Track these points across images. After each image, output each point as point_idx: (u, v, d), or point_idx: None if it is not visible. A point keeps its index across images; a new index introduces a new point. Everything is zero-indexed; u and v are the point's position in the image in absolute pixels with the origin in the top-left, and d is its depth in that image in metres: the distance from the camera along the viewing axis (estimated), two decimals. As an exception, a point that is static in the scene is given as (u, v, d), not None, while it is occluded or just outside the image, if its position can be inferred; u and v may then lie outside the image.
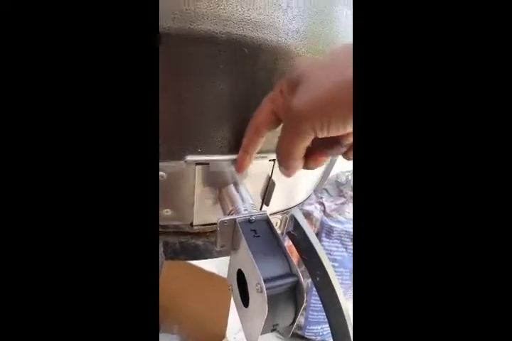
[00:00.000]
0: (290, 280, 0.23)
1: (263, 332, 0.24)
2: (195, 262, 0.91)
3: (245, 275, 0.26)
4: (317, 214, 1.12)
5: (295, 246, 0.63)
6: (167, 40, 0.25)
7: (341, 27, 0.33)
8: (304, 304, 0.24)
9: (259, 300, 0.22)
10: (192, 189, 0.34)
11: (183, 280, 0.92)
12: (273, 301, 0.22)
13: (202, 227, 0.38)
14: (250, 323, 0.25)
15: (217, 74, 0.27)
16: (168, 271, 0.85)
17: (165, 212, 0.35)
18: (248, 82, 0.28)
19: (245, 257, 0.25)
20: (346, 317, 0.59)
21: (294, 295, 0.23)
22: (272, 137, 0.34)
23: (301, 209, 0.79)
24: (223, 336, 0.94)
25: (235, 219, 0.29)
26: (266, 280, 0.22)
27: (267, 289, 0.21)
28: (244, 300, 0.26)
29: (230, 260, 0.31)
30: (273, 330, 0.25)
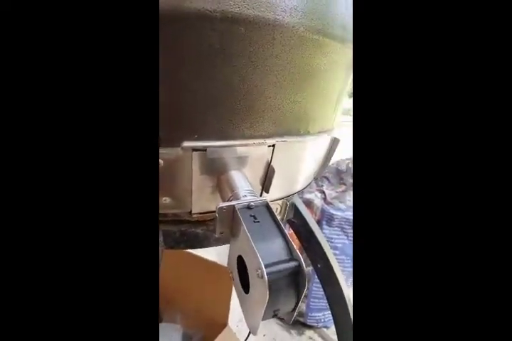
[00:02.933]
0: (291, 264, 0.23)
1: (264, 318, 0.24)
2: (195, 251, 0.91)
3: (245, 261, 0.25)
4: (318, 202, 1.12)
5: (296, 233, 0.63)
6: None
7: (341, 5, 0.32)
8: (306, 291, 0.24)
9: (259, 286, 0.22)
10: (190, 176, 0.33)
11: (184, 270, 0.92)
12: (274, 286, 0.21)
13: (201, 215, 0.38)
14: (251, 309, 0.25)
15: (212, 54, 0.26)
16: (169, 261, 0.85)
17: (163, 200, 0.35)
18: (245, 63, 0.27)
19: (245, 243, 0.25)
20: (348, 304, 0.60)
21: (295, 280, 0.23)
22: (270, 121, 0.33)
23: (301, 197, 0.78)
24: (226, 324, 0.95)
25: (233, 205, 0.28)
26: (266, 266, 0.22)
27: (267, 274, 0.21)
28: (245, 286, 0.26)
29: (230, 247, 0.30)
30: (274, 316, 0.24)
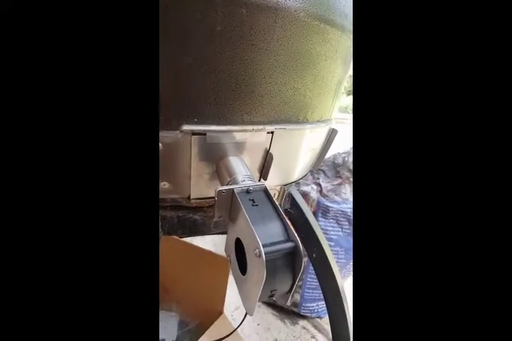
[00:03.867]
0: (288, 245, 0.23)
1: (261, 299, 0.24)
2: (192, 241, 0.92)
3: (243, 242, 0.26)
4: (314, 194, 1.12)
5: (292, 224, 0.63)
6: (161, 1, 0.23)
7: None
8: (300, 282, 0.24)
9: (257, 265, 0.22)
10: (189, 161, 0.33)
11: (181, 259, 0.93)
12: (271, 265, 0.22)
13: (199, 201, 0.38)
14: (249, 290, 0.26)
15: (214, 37, 0.26)
16: (166, 249, 0.85)
17: (162, 185, 0.35)
18: (246, 45, 0.27)
19: (244, 225, 0.25)
20: (341, 293, 0.61)
21: (292, 261, 0.23)
22: (270, 107, 0.33)
23: (298, 190, 0.78)
24: (221, 312, 0.96)
25: (232, 189, 0.28)
26: (264, 245, 0.22)
27: (265, 253, 0.21)
28: (243, 268, 0.27)
29: (228, 231, 0.31)
30: (271, 297, 0.25)
